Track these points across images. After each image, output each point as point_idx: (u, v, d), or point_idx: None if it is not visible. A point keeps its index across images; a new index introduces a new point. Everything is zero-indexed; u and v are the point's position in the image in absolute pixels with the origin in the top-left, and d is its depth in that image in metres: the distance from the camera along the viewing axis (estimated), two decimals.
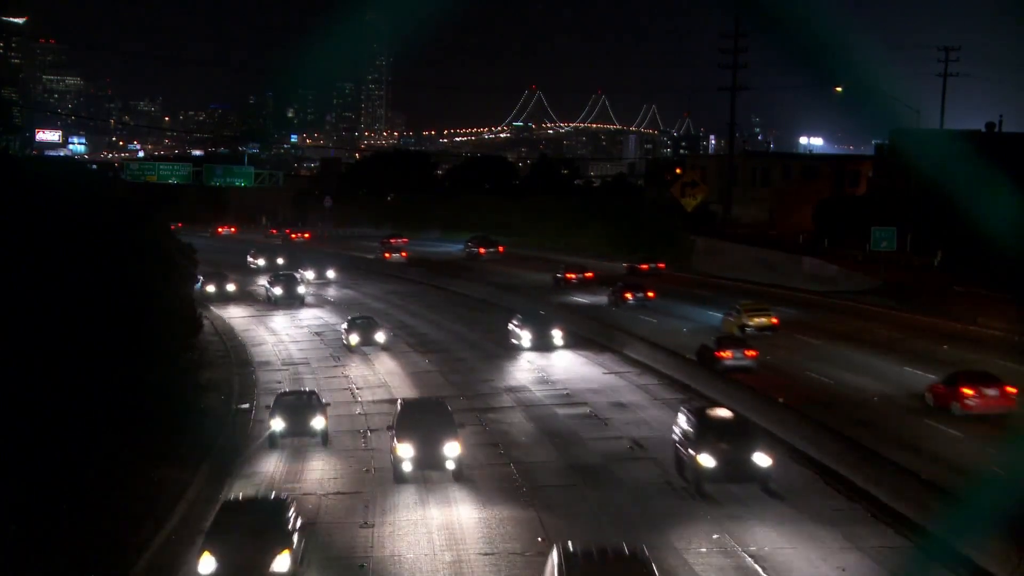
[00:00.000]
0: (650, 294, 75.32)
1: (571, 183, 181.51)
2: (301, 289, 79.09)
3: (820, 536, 29.37)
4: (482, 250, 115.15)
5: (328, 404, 41.88)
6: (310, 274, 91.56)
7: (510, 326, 60.09)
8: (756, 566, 27.34)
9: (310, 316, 74.91)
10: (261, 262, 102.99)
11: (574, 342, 59.21)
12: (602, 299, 77.13)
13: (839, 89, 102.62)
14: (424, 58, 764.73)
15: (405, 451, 33.76)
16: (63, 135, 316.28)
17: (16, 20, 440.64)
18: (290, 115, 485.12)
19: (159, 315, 44.65)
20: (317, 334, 67.03)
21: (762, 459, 32.37)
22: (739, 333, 59.28)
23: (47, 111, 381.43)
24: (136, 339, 39.13)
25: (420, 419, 34.87)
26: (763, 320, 61.29)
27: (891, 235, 76.37)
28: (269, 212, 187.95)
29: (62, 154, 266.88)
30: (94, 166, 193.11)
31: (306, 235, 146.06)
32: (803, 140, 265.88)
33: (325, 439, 39.58)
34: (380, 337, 59.88)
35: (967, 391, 41.75)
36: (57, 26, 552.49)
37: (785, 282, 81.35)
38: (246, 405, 46.83)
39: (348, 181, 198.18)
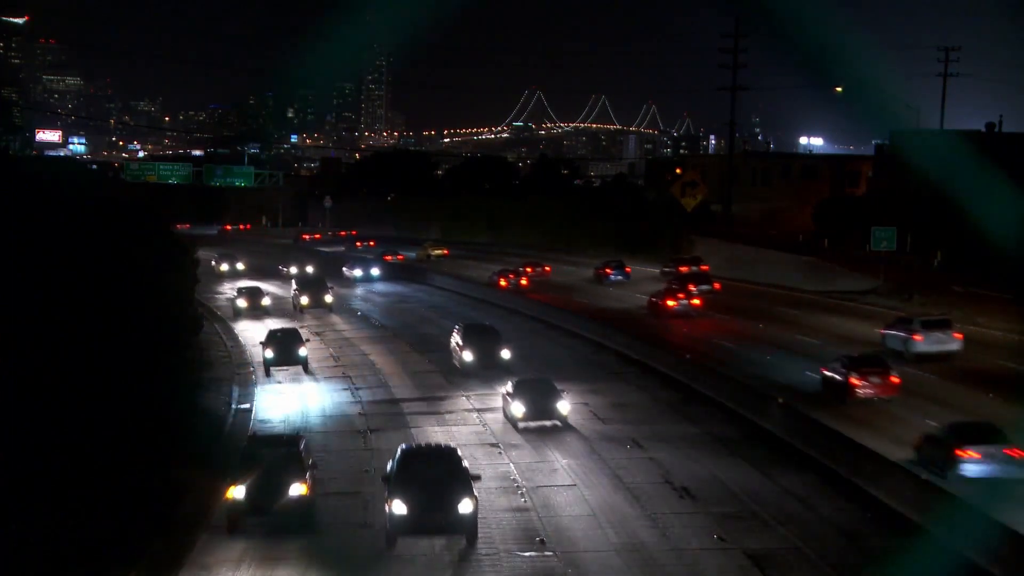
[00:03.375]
0: (371, 243, 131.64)
1: (571, 183, 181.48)
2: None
3: (820, 536, 29.42)
4: (228, 227, 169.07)
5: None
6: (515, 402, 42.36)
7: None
8: (756, 567, 27.37)
9: None
10: (469, 359, 51.71)
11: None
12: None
13: (839, 89, 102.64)
14: (424, 58, 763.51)
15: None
16: (63, 135, 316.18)
17: (16, 20, 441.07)
18: (290, 115, 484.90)
19: (159, 315, 44.63)
20: None
21: None
22: (425, 259, 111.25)
23: (47, 111, 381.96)
24: (136, 339, 39.13)
25: None
26: (439, 252, 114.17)
27: (891, 235, 76.34)
28: (269, 212, 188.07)
29: (62, 154, 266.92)
30: (94, 166, 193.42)
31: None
32: (803, 140, 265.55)
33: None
34: None
35: (527, 270, 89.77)
36: (57, 26, 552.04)
37: (784, 281, 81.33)
38: (247, 405, 46.87)
39: (348, 181, 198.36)
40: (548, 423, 41.51)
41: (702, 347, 56.19)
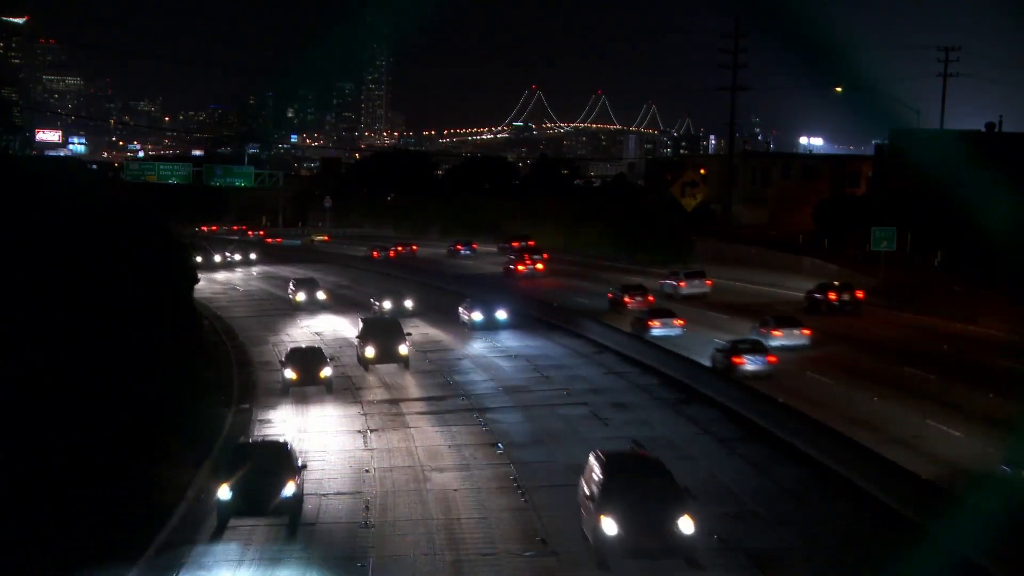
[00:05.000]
0: (261, 232, 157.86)
1: (571, 183, 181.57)
2: None
3: (820, 536, 29.42)
4: None
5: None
6: None
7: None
8: (756, 567, 27.36)
9: None
10: (610, 534, 25.94)
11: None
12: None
13: (839, 89, 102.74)
14: (424, 58, 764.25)
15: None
16: (63, 135, 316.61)
17: (16, 20, 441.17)
18: (290, 115, 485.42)
19: (159, 314, 44.60)
20: None
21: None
22: (310, 243, 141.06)
23: (47, 111, 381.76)
24: (136, 338, 39.11)
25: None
26: (320, 237, 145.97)
27: (891, 235, 76.37)
28: (269, 212, 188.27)
29: (62, 154, 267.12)
30: (94, 166, 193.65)
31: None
32: (803, 140, 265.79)
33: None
34: None
35: (397, 248, 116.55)
36: (57, 26, 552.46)
37: (784, 282, 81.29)
38: (247, 405, 46.84)
39: (348, 181, 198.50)
40: None
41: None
